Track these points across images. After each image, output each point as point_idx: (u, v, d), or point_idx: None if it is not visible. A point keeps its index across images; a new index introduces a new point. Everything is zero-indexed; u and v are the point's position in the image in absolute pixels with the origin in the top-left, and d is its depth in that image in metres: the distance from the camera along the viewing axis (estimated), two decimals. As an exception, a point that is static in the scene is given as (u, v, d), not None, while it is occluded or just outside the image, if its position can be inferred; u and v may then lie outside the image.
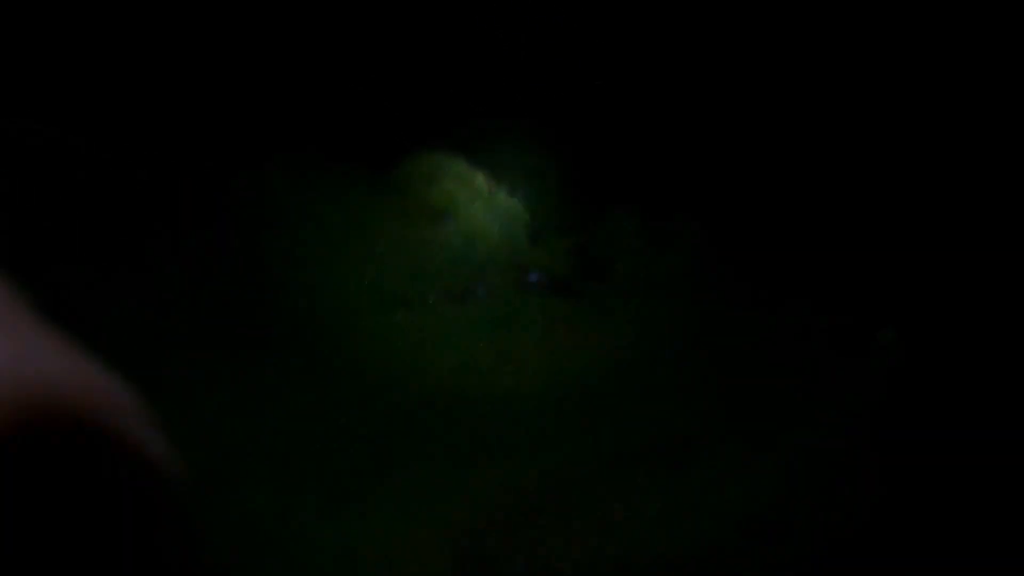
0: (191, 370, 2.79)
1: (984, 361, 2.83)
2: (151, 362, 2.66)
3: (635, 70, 4.87)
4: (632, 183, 4.79)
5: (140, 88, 3.49)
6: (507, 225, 4.52)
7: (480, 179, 4.56)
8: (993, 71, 3.43)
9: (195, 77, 3.62)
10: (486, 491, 2.31)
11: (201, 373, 2.81)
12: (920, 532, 2.39)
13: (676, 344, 3.18)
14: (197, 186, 3.46)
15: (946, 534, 2.37)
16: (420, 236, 3.97)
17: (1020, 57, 3.33)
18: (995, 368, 2.80)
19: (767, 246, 4.30)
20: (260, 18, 3.87)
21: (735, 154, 4.74)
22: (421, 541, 2.28)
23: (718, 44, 4.69)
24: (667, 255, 4.19)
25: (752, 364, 2.92)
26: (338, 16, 4.23)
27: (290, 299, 3.16)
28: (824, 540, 2.40)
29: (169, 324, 2.97)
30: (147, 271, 3.06)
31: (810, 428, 2.70)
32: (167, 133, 3.45)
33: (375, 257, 3.53)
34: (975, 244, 3.19)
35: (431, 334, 3.11)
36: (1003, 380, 2.74)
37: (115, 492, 0.20)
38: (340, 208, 3.76)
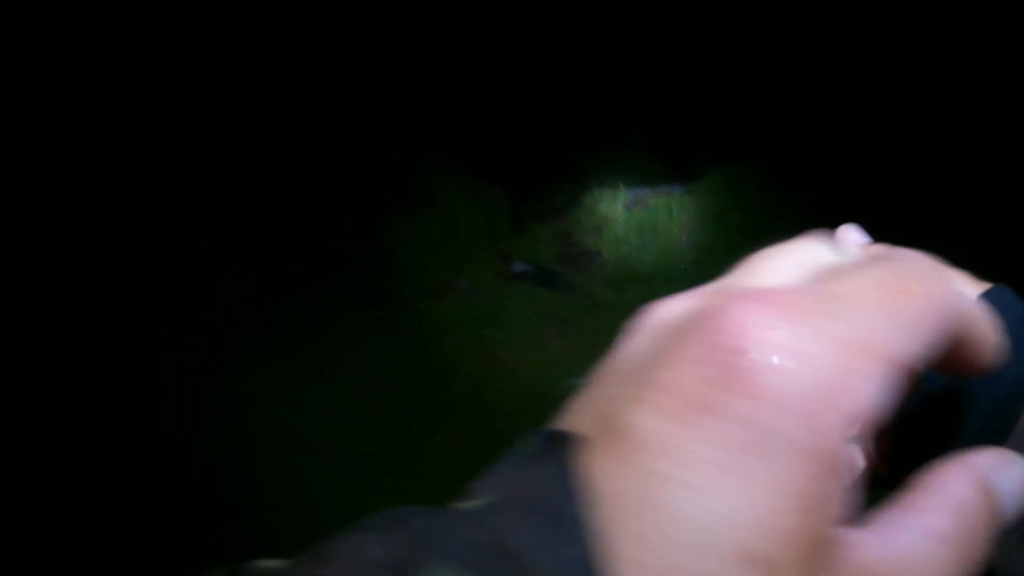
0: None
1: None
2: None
3: (621, 54, 4.66)
4: (618, 166, 4.59)
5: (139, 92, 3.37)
6: (488, 212, 4.28)
7: (460, 163, 4.31)
8: None
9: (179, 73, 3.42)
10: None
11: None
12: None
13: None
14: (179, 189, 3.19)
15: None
16: (395, 225, 3.72)
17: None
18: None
19: (758, 234, 4.14)
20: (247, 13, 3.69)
21: (725, 139, 4.57)
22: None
23: (706, 30, 4.48)
24: (657, 242, 3.99)
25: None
26: (314, 8, 4.01)
27: (259, 298, 2.90)
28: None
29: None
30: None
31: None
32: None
33: (348, 252, 3.27)
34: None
35: (410, 334, 2.86)
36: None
37: None
38: (314, 200, 3.49)
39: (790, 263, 0.23)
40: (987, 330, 0.23)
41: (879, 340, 0.18)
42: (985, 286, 0.36)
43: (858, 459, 0.23)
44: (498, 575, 0.18)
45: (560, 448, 0.22)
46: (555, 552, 0.19)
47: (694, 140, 4.61)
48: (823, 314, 0.19)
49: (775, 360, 0.17)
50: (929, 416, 0.33)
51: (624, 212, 4.25)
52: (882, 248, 0.23)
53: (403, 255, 3.56)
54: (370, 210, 3.75)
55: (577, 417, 0.22)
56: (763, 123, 4.48)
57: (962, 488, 0.20)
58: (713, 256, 3.72)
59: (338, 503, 2.22)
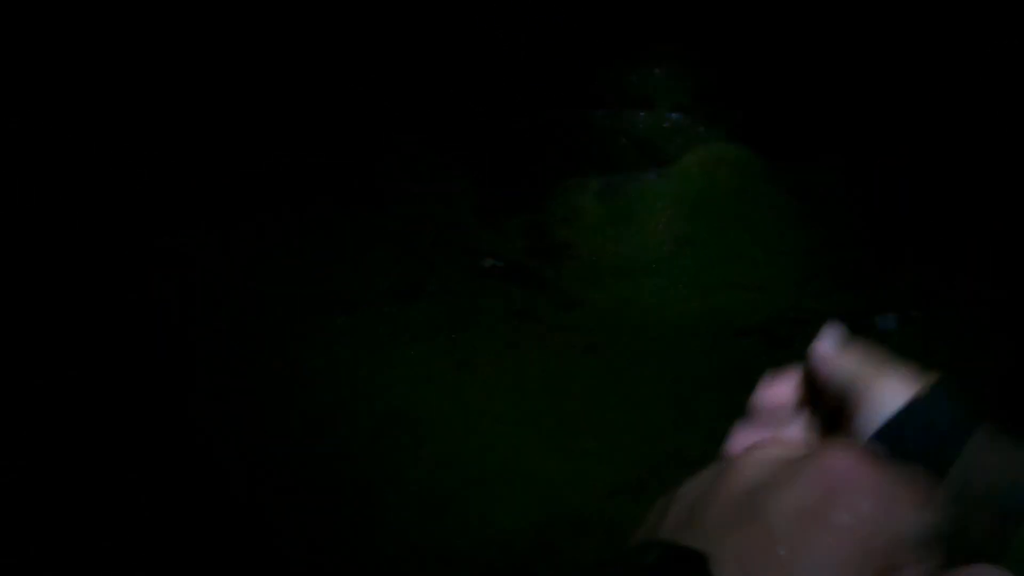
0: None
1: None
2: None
3: (591, 39, 4.49)
4: (588, 150, 4.42)
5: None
6: (454, 203, 4.07)
7: (422, 151, 4.09)
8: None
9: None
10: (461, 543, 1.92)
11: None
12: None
13: (654, 338, 2.82)
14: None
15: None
16: (357, 221, 3.51)
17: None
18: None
19: (735, 220, 4.01)
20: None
21: (695, 121, 4.43)
22: None
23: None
24: (632, 232, 3.83)
25: (745, 359, 2.59)
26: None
27: (212, 312, 2.67)
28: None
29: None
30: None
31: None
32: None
33: (308, 252, 3.05)
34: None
35: (377, 343, 2.66)
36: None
37: None
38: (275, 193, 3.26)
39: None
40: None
41: None
42: (928, 380, 0.43)
43: None
44: None
45: None
46: None
47: (665, 121, 4.47)
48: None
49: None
50: None
51: (597, 201, 4.08)
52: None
53: (368, 254, 3.35)
54: (329, 205, 3.53)
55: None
56: (733, 104, 4.34)
57: None
58: (692, 246, 3.56)
59: (303, 539, 2.03)
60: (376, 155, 3.69)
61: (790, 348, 3.10)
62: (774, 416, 0.50)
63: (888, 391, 0.44)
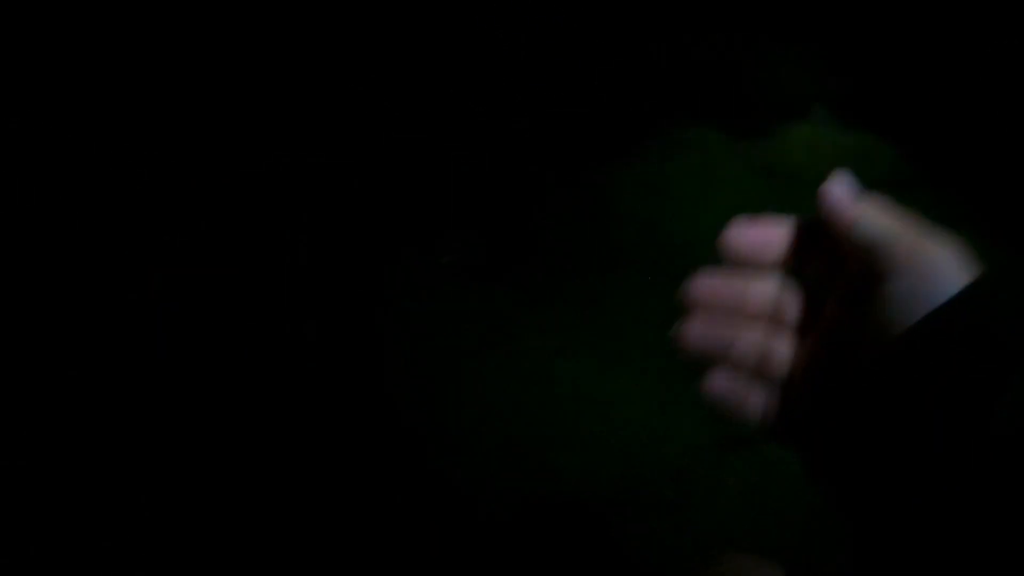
0: None
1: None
2: None
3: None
4: (553, 134, 4.26)
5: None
6: (410, 190, 3.86)
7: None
8: None
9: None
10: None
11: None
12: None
13: (627, 337, 2.65)
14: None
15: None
16: (302, 216, 3.27)
17: None
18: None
19: (702, 204, 3.88)
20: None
21: (660, 102, 4.30)
22: None
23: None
24: (598, 220, 3.65)
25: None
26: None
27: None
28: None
29: None
30: None
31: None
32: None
33: (243, 258, 2.81)
34: None
35: (322, 360, 2.43)
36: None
37: None
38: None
39: None
40: None
41: None
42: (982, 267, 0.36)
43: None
44: None
45: None
46: None
47: (631, 104, 4.32)
48: None
49: None
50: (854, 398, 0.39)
51: (563, 186, 3.90)
52: None
53: (312, 254, 3.11)
54: (274, 198, 3.29)
55: None
56: (693, 85, 4.22)
57: None
58: (658, 233, 3.40)
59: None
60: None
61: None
62: (748, 265, 0.41)
63: (947, 262, 0.36)
